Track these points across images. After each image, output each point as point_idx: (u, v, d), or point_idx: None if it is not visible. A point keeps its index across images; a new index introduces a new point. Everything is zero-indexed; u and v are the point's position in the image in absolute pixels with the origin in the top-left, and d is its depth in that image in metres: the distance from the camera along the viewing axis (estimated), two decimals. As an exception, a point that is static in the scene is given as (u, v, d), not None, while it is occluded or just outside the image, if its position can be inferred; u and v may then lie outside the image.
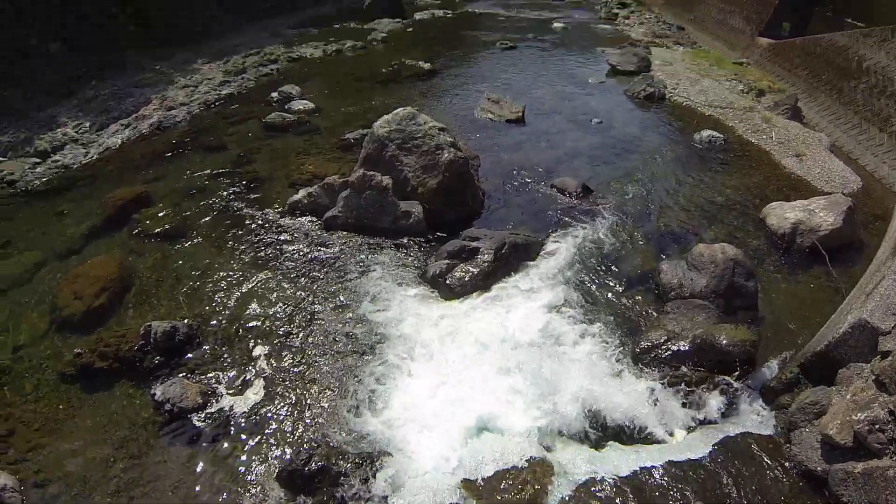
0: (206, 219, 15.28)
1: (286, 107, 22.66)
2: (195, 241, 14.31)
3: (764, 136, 20.22)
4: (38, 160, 20.35)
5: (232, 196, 16.31)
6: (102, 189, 17.51)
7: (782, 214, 14.16)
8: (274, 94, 23.96)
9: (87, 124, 22.83)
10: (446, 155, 14.63)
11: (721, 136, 19.69)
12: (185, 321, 11.23)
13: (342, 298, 11.77)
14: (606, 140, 19.60)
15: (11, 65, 26.73)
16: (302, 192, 15.22)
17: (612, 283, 12.15)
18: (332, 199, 14.66)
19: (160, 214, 15.59)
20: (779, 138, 19.98)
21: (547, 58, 30.85)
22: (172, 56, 31.32)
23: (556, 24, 40.39)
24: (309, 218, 14.75)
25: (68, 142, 21.51)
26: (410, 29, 39.35)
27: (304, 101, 23.02)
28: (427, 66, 27.68)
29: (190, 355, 10.72)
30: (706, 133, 19.79)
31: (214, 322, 11.39)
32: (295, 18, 42.67)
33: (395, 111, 15.53)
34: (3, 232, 15.98)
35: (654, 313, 11.26)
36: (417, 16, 44.49)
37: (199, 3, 37.04)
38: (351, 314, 11.33)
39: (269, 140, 20.14)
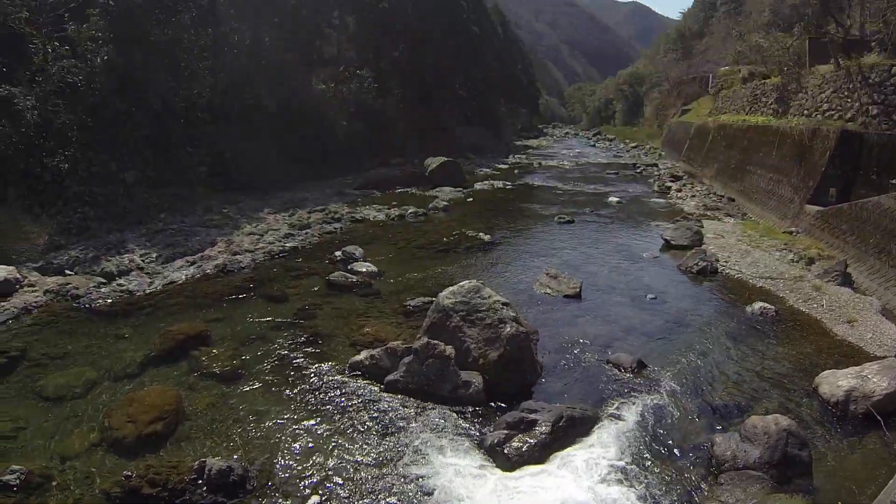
0: (265, 366, 15.70)
1: (349, 267, 23.35)
2: (253, 385, 14.66)
3: (814, 305, 20.43)
4: (103, 280, 21.41)
5: (292, 347, 16.75)
6: (163, 320, 18.29)
7: (835, 382, 14.22)
8: (337, 254, 24.78)
9: (154, 255, 24.09)
10: (508, 329, 15.02)
11: (772, 307, 19.95)
12: (241, 462, 11.25)
13: (397, 460, 11.86)
14: (661, 315, 19.86)
15: (89, 186, 28.60)
16: (364, 354, 15.49)
17: (666, 456, 12.11)
18: (393, 363, 14.90)
19: (219, 354, 16.05)
20: (829, 306, 20.18)
21: (603, 232, 31.62)
22: (240, 202, 32.88)
23: (611, 199, 41.63)
24: (369, 379, 14.98)
25: (134, 269, 22.71)
26: (471, 199, 40.70)
27: (367, 264, 23.67)
28: (487, 237, 28.52)
29: (242, 497, 10.67)
30: (757, 305, 20.07)
31: (268, 467, 11.52)
32: (360, 179, 44.66)
33: (461, 284, 16.03)
34: (62, 343, 16.73)
35: (708, 485, 11.16)
36: (478, 185, 46.29)
37: (271, 155, 38.67)
38: (404, 476, 11.39)
39: (331, 298, 20.73)
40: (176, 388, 14.21)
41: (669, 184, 48.69)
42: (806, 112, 34.48)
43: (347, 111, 48.94)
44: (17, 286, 20.33)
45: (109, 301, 19.81)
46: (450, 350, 14.51)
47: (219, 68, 37.54)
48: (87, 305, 19.42)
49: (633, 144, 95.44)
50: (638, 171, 60.89)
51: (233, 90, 38.02)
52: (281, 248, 25.85)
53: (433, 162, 46.83)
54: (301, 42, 50.69)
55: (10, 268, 21.04)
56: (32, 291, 20.16)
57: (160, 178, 32.06)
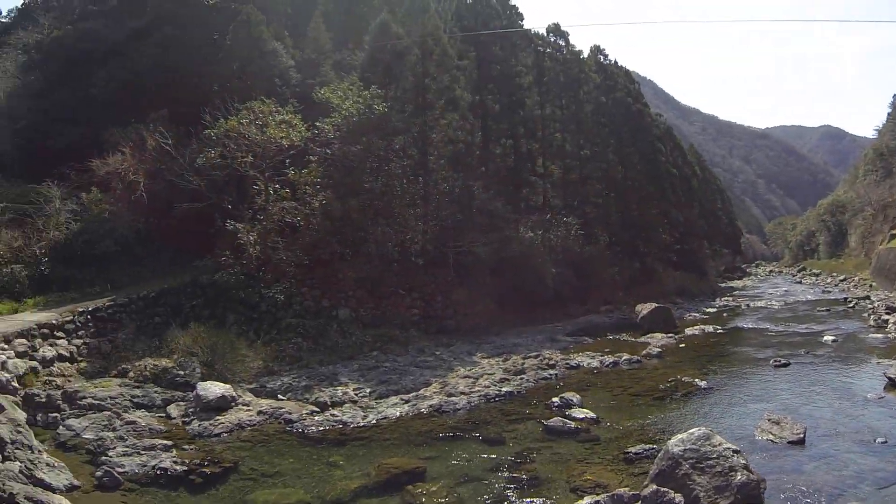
0: (484, 506, 14.59)
1: (567, 413, 22.16)
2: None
3: None
4: (316, 409, 21.45)
5: (511, 489, 15.58)
6: (376, 453, 17.88)
7: None
8: (555, 400, 23.70)
9: (368, 390, 24.08)
10: (739, 477, 13.88)
11: None
12: None
13: None
14: (893, 460, 17.45)
15: (302, 318, 29.95)
16: (587, 499, 14.40)
17: None
18: (618, 509, 13.66)
19: (436, 492, 15.16)
20: None
21: (822, 373, 28.91)
22: (452, 345, 33.14)
23: (826, 337, 38.21)
24: (593, 524, 13.66)
25: (347, 401, 22.66)
26: (683, 345, 38.44)
27: (585, 410, 22.44)
28: (703, 383, 26.64)
29: None
30: None
31: None
32: (569, 326, 43.69)
33: (691, 431, 14.99)
34: (274, 462, 16.89)
35: None
36: (688, 331, 43.78)
37: (482, 301, 38.67)
38: None
39: (549, 443, 19.54)
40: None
41: (886, 316, 44.54)
42: None
43: (555, 258, 48.64)
44: (233, 403, 20.85)
45: (323, 429, 19.67)
46: (679, 498, 13.36)
47: (430, 215, 38.30)
48: (300, 430, 19.46)
49: (841, 277, 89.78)
50: (850, 305, 57.17)
51: (444, 236, 38.56)
52: (497, 392, 24.97)
53: (643, 308, 45.34)
54: (508, 190, 51.39)
55: (228, 386, 21.74)
56: (247, 410, 20.61)
57: (372, 318, 32.92)
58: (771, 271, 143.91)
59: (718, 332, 44.08)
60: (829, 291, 75.70)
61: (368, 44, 42.74)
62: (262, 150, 32.97)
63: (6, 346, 22.07)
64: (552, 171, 61.02)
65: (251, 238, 30.26)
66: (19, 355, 22.33)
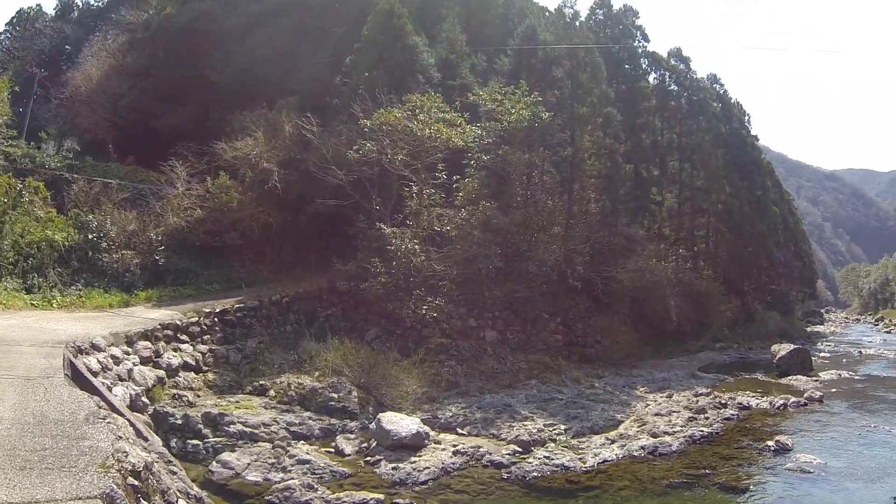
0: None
1: (792, 458, 20.53)
2: None
3: None
4: (518, 449, 18.59)
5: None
6: None
7: None
8: (769, 444, 21.76)
9: (562, 427, 21.43)
10: None
11: None
12: None
13: None
14: None
15: (452, 339, 27.93)
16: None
17: None
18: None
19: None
20: None
21: None
22: (603, 376, 30.74)
23: None
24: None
25: (546, 440, 19.97)
26: (834, 389, 35.39)
27: (810, 456, 20.57)
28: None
29: None
30: None
31: None
32: (695, 362, 41.97)
33: None
34: None
35: None
36: (823, 375, 40.50)
37: (617, 329, 36.49)
38: None
39: (792, 492, 17.71)
40: None
41: None
42: None
43: (672, 290, 46.00)
44: (426, 441, 17.86)
45: (541, 475, 16.77)
46: None
47: (577, 236, 35.82)
48: (519, 477, 16.55)
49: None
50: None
51: (593, 260, 36.10)
52: (701, 434, 22.46)
53: (781, 349, 42.85)
54: (630, 216, 49.04)
55: (417, 419, 18.84)
56: (441, 449, 17.72)
57: (518, 343, 30.33)
58: (846, 318, 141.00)
59: (856, 377, 41.41)
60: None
61: (513, 49, 40.04)
62: (418, 149, 29.87)
63: (130, 351, 18.81)
64: (667, 198, 58.74)
65: (414, 246, 27.59)
66: (143, 361, 19.13)
